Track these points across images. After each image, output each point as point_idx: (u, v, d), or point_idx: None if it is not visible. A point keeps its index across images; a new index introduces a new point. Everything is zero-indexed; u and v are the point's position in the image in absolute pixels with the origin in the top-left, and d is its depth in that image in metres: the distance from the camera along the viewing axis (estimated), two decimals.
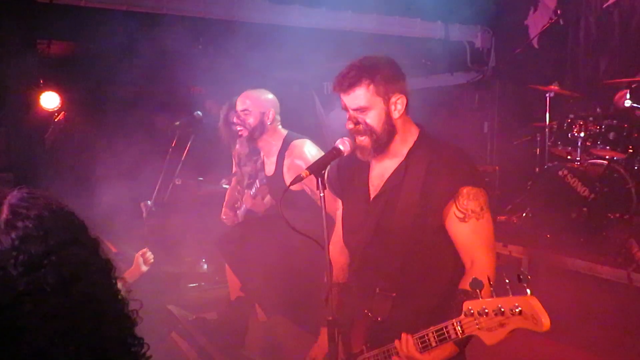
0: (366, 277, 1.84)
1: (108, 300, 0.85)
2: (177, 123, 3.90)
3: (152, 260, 2.59)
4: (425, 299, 1.76)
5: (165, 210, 3.92)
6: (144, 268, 2.55)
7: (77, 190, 3.65)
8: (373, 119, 1.70)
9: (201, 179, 4.08)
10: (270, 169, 2.91)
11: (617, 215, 3.79)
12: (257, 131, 2.79)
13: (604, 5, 5.45)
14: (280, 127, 2.88)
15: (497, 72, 6.16)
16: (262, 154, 3.47)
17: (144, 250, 2.58)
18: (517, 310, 1.20)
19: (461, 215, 1.66)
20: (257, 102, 2.80)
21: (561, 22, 5.35)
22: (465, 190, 1.66)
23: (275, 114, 2.78)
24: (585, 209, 3.70)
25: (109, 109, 4.33)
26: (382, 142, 1.73)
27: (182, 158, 3.92)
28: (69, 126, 4.78)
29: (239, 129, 2.82)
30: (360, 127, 1.72)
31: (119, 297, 0.88)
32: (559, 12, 5.25)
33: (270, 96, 2.81)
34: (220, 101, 3.66)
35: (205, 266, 4.28)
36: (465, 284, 1.59)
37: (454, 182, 1.67)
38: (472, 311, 1.30)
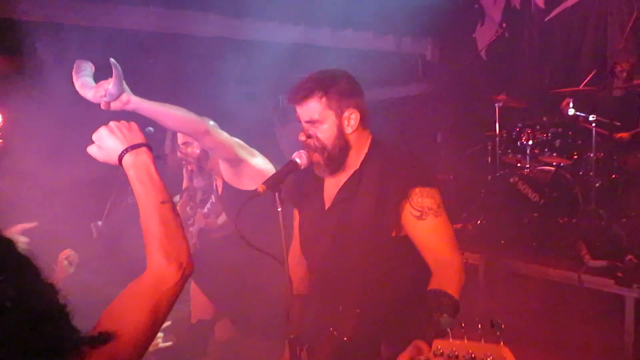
0: (327, 289, 1.82)
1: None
2: None
3: (77, 261, 2.49)
4: (390, 312, 1.73)
5: (117, 230, 3.77)
6: (71, 270, 2.44)
7: (19, 215, 3.46)
8: (324, 132, 1.69)
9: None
10: (220, 189, 2.85)
11: (566, 219, 3.94)
12: (203, 160, 2.74)
13: (546, 19, 5.72)
14: None
15: (448, 84, 6.34)
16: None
17: (67, 251, 2.47)
18: (488, 359, 1.17)
19: (417, 214, 1.64)
20: None
21: (507, 35, 5.57)
22: (418, 189, 1.65)
23: None
24: (536, 214, 3.83)
25: (53, 127, 4.16)
26: (334, 158, 1.71)
27: None
28: (8, 147, 4.56)
29: (188, 164, 2.77)
30: (312, 140, 1.71)
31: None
32: (504, 25, 5.46)
33: (205, 119, 2.74)
34: None
35: None
36: (434, 284, 1.55)
37: (406, 183, 1.66)
38: (441, 351, 1.27)
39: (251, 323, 2.52)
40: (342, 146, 1.72)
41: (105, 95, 1.74)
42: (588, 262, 3.35)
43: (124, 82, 1.76)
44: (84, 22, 4.23)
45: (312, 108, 1.68)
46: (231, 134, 2.88)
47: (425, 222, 1.64)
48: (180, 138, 2.77)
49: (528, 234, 3.83)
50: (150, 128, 3.72)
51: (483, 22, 6.36)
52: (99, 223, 3.64)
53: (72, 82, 1.76)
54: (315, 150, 1.71)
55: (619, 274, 3.10)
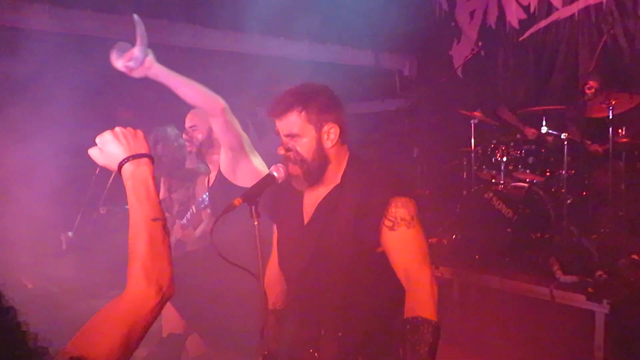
0: (306, 307, 1.79)
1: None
2: None
3: None
4: (371, 334, 1.71)
5: (87, 242, 3.68)
6: None
7: None
8: (304, 146, 1.69)
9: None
10: (212, 180, 2.85)
11: (539, 234, 4.00)
12: (205, 146, 2.79)
13: (519, 39, 5.87)
14: None
15: (425, 100, 6.42)
16: (198, 180, 3.38)
17: None
18: None
19: (390, 224, 1.62)
20: (204, 118, 2.79)
21: (482, 54, 5.69)
22: (393, 200, 1.64)
23: None
24: (509, 229, 3.87)
25: (27, 135, 4.05)
26: (313, 172, 1.71)
27: (108, 185, 3.72)
28: None
29: (187, 145, 2.83)
30: (292, 154, 1.70)
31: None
32: (480, 44, 5.57)
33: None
34: (150, 127, 3.54)
35: None
36: (409, 308, 1.54)
37: (384, 194, 1.65)
38: None
39: (225, 338, 2.47)
40: (322, 160, 1.71)
41: (130, 60, 1.80)
42: (560, 277, 3.40)
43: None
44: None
45: (292, 122, 1.67)
46: None
47: (396, 233, 1.62)
48: (188, 121, 2.82)
49: (502, 249, 3.87)
50: None
51: (459, 40, 6.49)
52: (70, 234, 3.56)
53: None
54: (295, 162, 1.70)
55: (590, 290, 3.15)
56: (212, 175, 2.83)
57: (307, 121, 1.67)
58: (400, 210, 1.63)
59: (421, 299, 1.53)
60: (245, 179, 2.51)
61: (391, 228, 1.63)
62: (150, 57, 1.89)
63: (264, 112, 2.29)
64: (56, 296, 3.30)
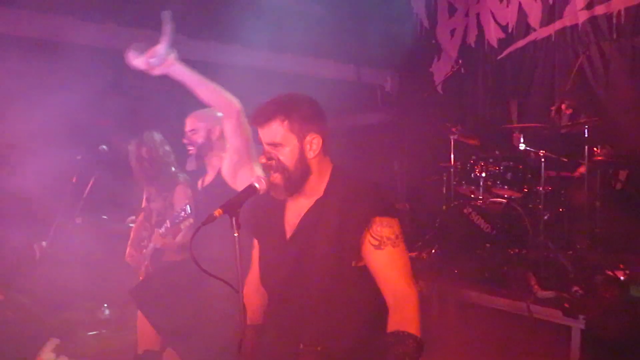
0: (286, 321, 1.76)
1: None
2: (79, 157, 3.65)
3: None
4: (350, 348, 1.69)
5: (62, 252, 3.59)
6: None
7: None
8: (286, 156, 1.68)
9: (105, 217, 3.82)
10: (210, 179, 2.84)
11: (516, 250, 4.05)
12: (205, 148, 2.81)
13: (498, 57, 6.00)
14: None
15: (406, 115, 6.49)
16: (175, 192, 3.34)
17: None
18: None
19: (376, 243, 1.63)
20: (203, 121, 2.82)
21: (462, 71, 5.79)
22: (378, 219, 1.65)
23: (221, 130, 2.75)
24: (488, 244, 3.91)
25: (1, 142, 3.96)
26: (294, 181, 1.70)
27: (84, 195, 3.65)
28: None
29: (189, 147, 2.86)
30: (273, 162, 1.69)
31: None
32: (460, 61, 5.67)
33: (218, 114, 2.77)
34: (129, 135, 3.49)
35: (107, 312, 3.95)
36: (393, 323, 1.56)
37: (367, 213, 1.65)
38: None
39: (202, 353, 2.42)
40: (304, 170, 1.70)
41: (153, 57, 1.83)
42: (537, 292, 3.43)
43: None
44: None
45: (274, 131, 1.67)
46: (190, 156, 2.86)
47: (382, 252, 1.64)
48: (188, 125, 2.85)
49: (480, 263, 3.90)
50: (104, 146, 3.63)
51: (440, 58, 6.60)
52: (43, 244, 3.47)
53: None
54: (276, 171, 1.69)
55: (566, 305, 3.19)
56: (209, 177, 2.83)
57: (290, 130, 1.67)
58: (385, 229, 1.65)
59: (407, 316, 1.57)
60: (244, 185, 2.50)
61: (377, 247, 1.64)
62: (173, 55, 1.91)
63: (248, 121, 2.29)
64: (27, 307, 3.21)
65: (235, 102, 2.34)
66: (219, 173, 2.68)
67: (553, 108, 4.25)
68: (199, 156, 2.84)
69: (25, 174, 3.81)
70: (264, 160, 1.71)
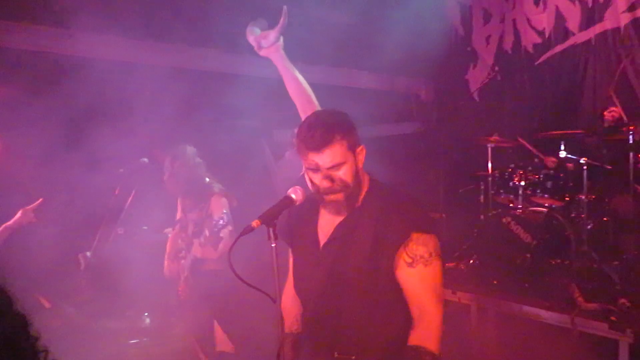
0: (321, 330, 1.77)
1: None
2: (122, 170, 3.77)
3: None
4: (384, 358, 1.71)
5: (105, 262, 3.70)
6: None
7: (10, 242, 3.40)
8: (347, 173, 1.67)
9: (145, 227, 3.92)
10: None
11: (558, 260, 3.93)
12: None
13: (536, 63, 5.88)
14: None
15: (441, 123, 6.43)
16: (211, 202, 3.40)
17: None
18: None
19: (409, 261, 1.65)
20: None
21: (499, 78, 5.70)
22: (415, 235, 1.65)
23: None
24: (528, 254, 3.82)
25: (45, 155, 4.12)
26: (354, 195, 1.71)
27: (126, 206, 3.76)
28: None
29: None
30: (336, 184, 1.67)
31: None
32: (496, 68, 5.59)
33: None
34: (167, 149, 3.59)
35: (147, 320, 4.04)
36: (414, 338, 1.62)
37: (405, 228, 1.66)
38: None
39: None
40: (359, 182, 1.73)
41: (264, 39, 2.04)
42: (581, 304, 3.32)
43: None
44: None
45: (336, 152, 1.64)
46: (224, 168, 2.90)
47: (414, 270, 1.66)
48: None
49: (520, 274, 3.80)
50: (145, 159, 3.74)
51: (476, 65, 6.51)
52: (88, 254, 3.58)
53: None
54: (340, 191, 1.68)
55: (613, 318, 3.07)
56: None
57: (347, 148, 1.67)
58: (420, 248, 1.65)
59: (428, 334, 1.62)
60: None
61: (410, 265, 1.66)
62: (280, 43, 2.10)
63: (280, 134, 2.31)
64: (72, 316, 3.32)
65: (316, 103, 2.37)
66: None
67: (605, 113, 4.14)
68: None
69: (69, 186, 3.97)
70: (326, 184, 1.67)
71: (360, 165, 1.72)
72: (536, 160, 4.34)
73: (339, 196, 1.68)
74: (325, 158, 1.64)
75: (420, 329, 1.62)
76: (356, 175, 1.70)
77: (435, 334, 1.62)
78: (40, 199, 3.12)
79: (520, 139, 4.72)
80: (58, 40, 4.24)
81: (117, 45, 4.46)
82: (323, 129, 1.64)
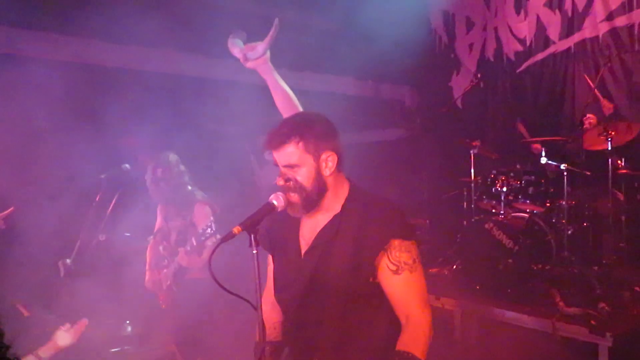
0: (302, 337, 1.77)
1: None
2: (103, 176, 3.73)
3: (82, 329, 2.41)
4: None
5: (86, 269, 3.65)
6: (64, 343, 2.35)
7: None
8: (303, 176, 1.69)
9: (128, 234, 3.88)
10: None
11: (540, 265, 3.98)
12: None
13: (517, 70, 5.96)
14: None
15: (425, 130, 6.47)
16: (194, 210, 3.37)
17: (67, 325, 2.39)
18: None
19: (394, 268, 1.65)
20: None
21: (481, 85, 5.77)
22: (396, 242, 1.66)
23: None
24: (510, 260, 3.85)
25: (26, 162, 4.06)
26: (311, 200, 1.71)
27: (107, 213, 3.71)
28: None
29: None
30: (291, 183, 1.70)
31: None
32: (479, 75, 5.65)
33: None
34: (151, 156, 3.56)
35: (129, 328, 3.99)
36: (402, 343, 1.62)
37: (385, 234, 1.67)
38: None
39: None
40: (320, 188, 1.71)
41: (251, 51, 2.01)
42: (562, 309, 3.36)
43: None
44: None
45: (290, 153, 1.68)
46: (209, 174, 2.89)
47: (400, 277, 1.67)
48: None
49: (503, 280, 3.83)
50: (127, 165, 3.70)
51: (459, 72, 6.59)
52: (68, 261, 3.53)
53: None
54: (294, 191, 1.70)
55: (593, 322, 3.11)
56: None
57: (305, 151, 1.68)
58: (404, 254, 1.67)
59: (416, 339, 1.63)
60: None
61: (395, 272, 1.66)
62: (267, 55, 2.07)
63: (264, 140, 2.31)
64: (52, 323, 3.25)
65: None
66: None
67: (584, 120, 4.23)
68: None
69: (51, 192, 3.91)
70: (281, 182, 1.71)
71: (325, 172, 1.71)
72: (518, 166, 4.37)
73: (295, 197, 1.70)
74: (279, 156, 1.70)
75: (407, 335, 1.63)
76: (316, 180, 1.70)
77: (421, 340, 1.63)
78: (12, 208, 3.05)
79: (519, 124, 4.83)
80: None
81: (104, 50, 4.43)
82: (281, 129, 1.69)
